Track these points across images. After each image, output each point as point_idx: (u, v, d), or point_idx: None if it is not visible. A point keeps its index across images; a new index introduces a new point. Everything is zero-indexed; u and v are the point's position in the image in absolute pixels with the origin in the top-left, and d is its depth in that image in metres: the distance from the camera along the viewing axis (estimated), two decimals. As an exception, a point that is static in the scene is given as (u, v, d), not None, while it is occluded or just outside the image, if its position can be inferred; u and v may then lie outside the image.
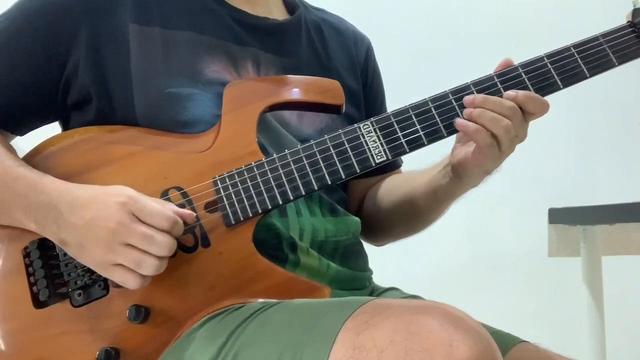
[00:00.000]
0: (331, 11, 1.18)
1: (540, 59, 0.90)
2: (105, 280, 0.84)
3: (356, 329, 0.66)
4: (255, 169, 0.87)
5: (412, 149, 0.88)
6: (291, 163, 0.87)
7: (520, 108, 0.87)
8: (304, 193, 0.86)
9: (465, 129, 0.86)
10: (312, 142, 0.88)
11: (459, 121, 0.87)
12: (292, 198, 0.86)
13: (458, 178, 0.94)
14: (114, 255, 0.79)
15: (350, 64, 1.11)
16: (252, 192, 0.86)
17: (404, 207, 1.06)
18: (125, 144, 0.90)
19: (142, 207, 0.79)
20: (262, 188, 0.86)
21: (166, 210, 0.80)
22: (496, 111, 0.86)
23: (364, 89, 1.13)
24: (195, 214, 0.84)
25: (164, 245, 0.78)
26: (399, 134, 0.88)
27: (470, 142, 0.91)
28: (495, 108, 0.86)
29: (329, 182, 0.87)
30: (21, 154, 0.93)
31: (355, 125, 0.89)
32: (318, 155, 0.87)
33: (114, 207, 0.79)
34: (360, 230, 1.06)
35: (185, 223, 0.84)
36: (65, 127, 0.99)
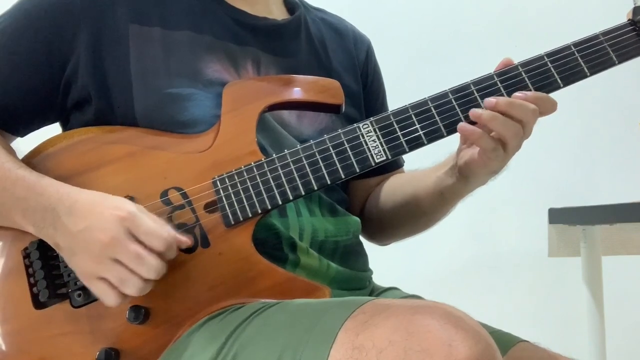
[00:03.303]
0: (331, 11, 1.18)
1: (541, 57, 0.90)
2: (105, 280, 0.84)
3: (356, 329, 0.66)
4: (254, 169, 0.87)
5: (411, 149, 0.88)
6: (291, 163, 0.87)
7: None
8: (303, 193, 0.86)
9: (470, 135, 0.86)
10: (311, 142, 0.88)
11: (462, 125, 0.85)
12: (291, 198, 0.86)
13: (464, 178, 0.94)
14: (100, 267, 0.78)
15: (350, 64, 1.11)
16: (252, 192, 0.86)
17: (409, 208, 1.06)
18: (125, 144, 0.89)
19: (139, 225, 0.78)
20: (262, 188, 0.86)
21: (163, 231, 0.79)
22: (518, 116, 0.85)
23: (364, 89, 1.12)
24: (193, 242, 0.83)
25: (154, 267, 0.78)
26: (399, 134, 0.88)
27: None
28: (519, 113, 0.85)
29: (329, 182, 0.87)
30: (21, 155, 0.93)
31: (355, 125, 0.89)
32: (317, 155, 0.87)
33: (111, 220, 0.78)
34: (364, 230, 1.06)
35: (185, 224, 0.84)
36: (65, 127, 0.99)
